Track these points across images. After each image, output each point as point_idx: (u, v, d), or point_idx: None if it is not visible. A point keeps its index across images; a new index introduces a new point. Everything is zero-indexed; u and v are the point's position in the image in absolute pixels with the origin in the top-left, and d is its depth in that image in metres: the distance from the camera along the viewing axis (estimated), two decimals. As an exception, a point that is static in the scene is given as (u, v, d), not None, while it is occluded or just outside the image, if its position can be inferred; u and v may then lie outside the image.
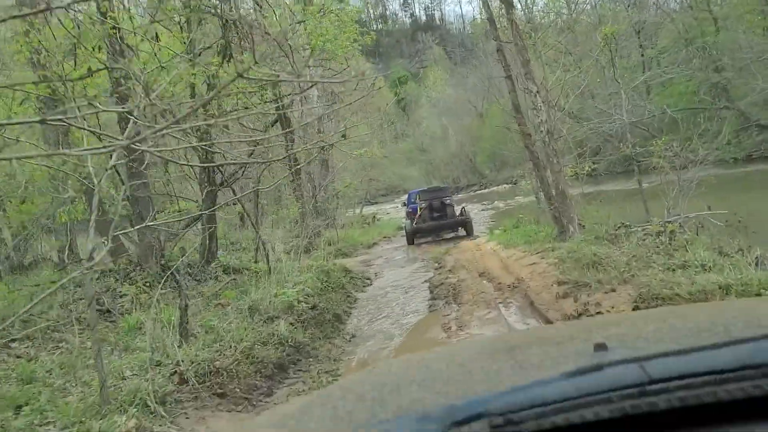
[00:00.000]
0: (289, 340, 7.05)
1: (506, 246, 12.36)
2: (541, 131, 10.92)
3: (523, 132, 11.63)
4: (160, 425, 4.25)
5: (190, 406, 4.94)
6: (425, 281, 11.38)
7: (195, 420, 4.77)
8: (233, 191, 10.27)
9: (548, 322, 6.77)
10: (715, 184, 10.82)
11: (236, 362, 5.99)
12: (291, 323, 7.72)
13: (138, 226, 6.84)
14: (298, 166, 20.40)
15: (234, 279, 9.20)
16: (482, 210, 28.57)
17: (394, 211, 41.28)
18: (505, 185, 46.77)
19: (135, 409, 4.22)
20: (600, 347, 0.80)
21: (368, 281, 12.72)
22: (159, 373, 5.29)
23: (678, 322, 1.04)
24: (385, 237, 21.61)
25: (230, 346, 6.44)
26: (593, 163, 14.70)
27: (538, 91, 10.91)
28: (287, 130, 13.51)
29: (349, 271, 12.85)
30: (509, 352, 1.01)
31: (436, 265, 13.04)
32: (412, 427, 0.69)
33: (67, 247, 10.88)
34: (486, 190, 45.27)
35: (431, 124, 61.21)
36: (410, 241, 18.27)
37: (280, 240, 15.37)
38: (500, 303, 8.25)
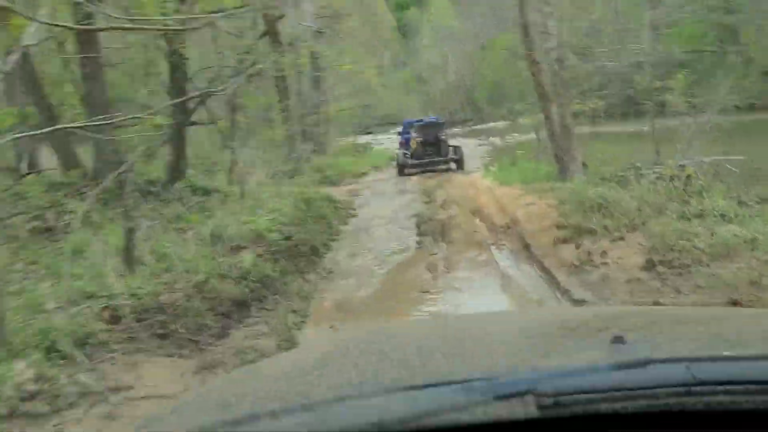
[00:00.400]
0: (254, 274, 6.24)
1: (502, 183, 11.46)
2: (550, 58, 9.79)
3: (531, 59, 10.49)
4: (70, 374, 3.44)
5: (121, 349, 4.14)
6: (413, 215, 10.53)
7: (123, 367, 3.97)
8: (204, 104, 9.19)
9: (545, 270, 5.97)
10: (726, 130, 9.88)
11: (187, 297, 5.18)
12: (259, 255, 6.88)
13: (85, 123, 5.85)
14: (286, 85, 19.20)
15: (201, 201, 8.30)
16: (478, 146, 27.48)
17: (388, 142, 40.04)
18: (502, 122, 45.47)
19: (38, 354, 3.40)
20: (617, 339, 0.80)
21: (353, 212, 11.86)
22: (89, 307, 4.47)
23: (691, 325, 1.03)
24: (376, 167, 20.62)
25: (183, 279, 5.63)
26: (599, 99, 13.54)
27: (552, 12, 9.70)
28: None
29: (334, 201, 11.96)
30: (520, 332, 1.00)
31: (427, 199, 12.17)
32: (448, 394, 0.67)
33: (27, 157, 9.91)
34: (483, 126, 43.87)
35: (431, 54, 58.92)
36: (401, 173, 17.82)
37: (263, 163, 14.46)
38: (492, 245, 7.45)
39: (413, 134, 18.25)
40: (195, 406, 0.92)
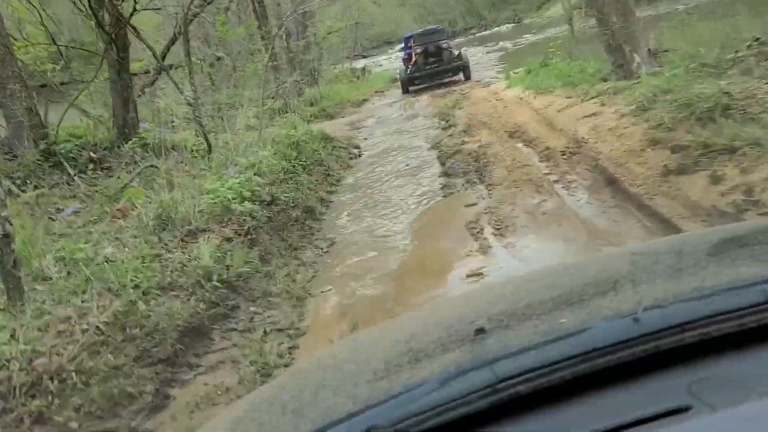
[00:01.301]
0: (217, 273, 4.09)
1: (537, 92, 8.99)
2: None
3: None
4: None
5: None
6: (432, 147, 8.23)
7: None
8: (134, 29, 6.75)
9: (668, 223, 3.71)
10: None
11: (91, 350, 3.07)
12: (227, 238, 4.71)
13: None
14: (264, 6, 16.41)
15: (152, 166, 6.05)
16: (487, 53, 24.48)
17: (387, 63, 36.93)
18: (507, 25, 41.80)
19: None
20: (480, 331, 0.87)
21: (356, 151, 9.56)
22: None
23: (551, 294, 1.03)
24: (377, 91, 18.03)
25: (97, 306, 3.50)
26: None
27: None
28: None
29: (331, 139, 9.64)
30: (407, 341, 0.98)
31: (444, 123, 9.78)
32: None
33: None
34: (486, 32, 40.43)
35: (423, -38, 54.21)
36: (405, 90, 16.09)
37: (248, 102, 12.12)
38: (557, 182, 5.16)
39: (414, 45, 16.66)
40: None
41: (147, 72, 13.68)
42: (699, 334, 0.77)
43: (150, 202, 5.00)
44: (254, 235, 4.99)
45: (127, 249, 4.33)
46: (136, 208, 5.12)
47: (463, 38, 41.36)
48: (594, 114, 6.35)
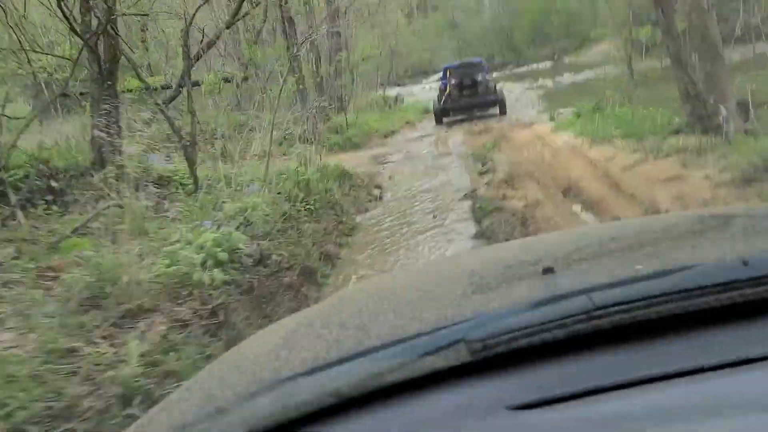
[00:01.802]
0: (144, 393, 2.76)
1: (593, 140, 7.58)
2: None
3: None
4: None
5: None
6: (465, 196, 6.87)
7: None
8: (115, 35, 5.56)
9: None
10: None
11: None
12: (181, 323, 3.39)
13: None
14: (295, 28, 15.41)
15: (117, 206, 4.79)
16: (526, 89, 23.13)
17: (421, 93, 35.88)
18: (546, 62, 40.53)
19: None
20: (548, 270, 0.85)
21: (377, 192, 8.24)
22: None
23: (621, 244, 1.02)
24: (408, 123, 16.76)
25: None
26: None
27: None
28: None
29: (350, 176, 8.36)
30: (469, 276, 0.99)
31: (481, 166, 8.44)
32: (397, 353, 0.70)
33: None
34: (524, 68, 39.18)
35: (464, -5, 53.59)
36: (438, 121, 15.74)
37: (268, 126, 11.00)
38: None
39: (449, 77, 16.19)
40: (182, 401, 0.86)
41: (168, 87, 12.72)
42: None
43: (89, 262, 3.71)
44: (223, 316, 3.67)
45: (34, 335, 3.04)
46: (63, 268, 3.83)
47: (501, 73, 40.22)
48: (675, 178, 4.94)
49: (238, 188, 5.71)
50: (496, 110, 15.46)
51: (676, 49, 6.49)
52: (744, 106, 6.10)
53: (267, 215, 5.17)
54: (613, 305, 0.70)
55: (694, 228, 1.07)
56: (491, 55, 49.06)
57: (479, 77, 15.88)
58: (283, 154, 9.92)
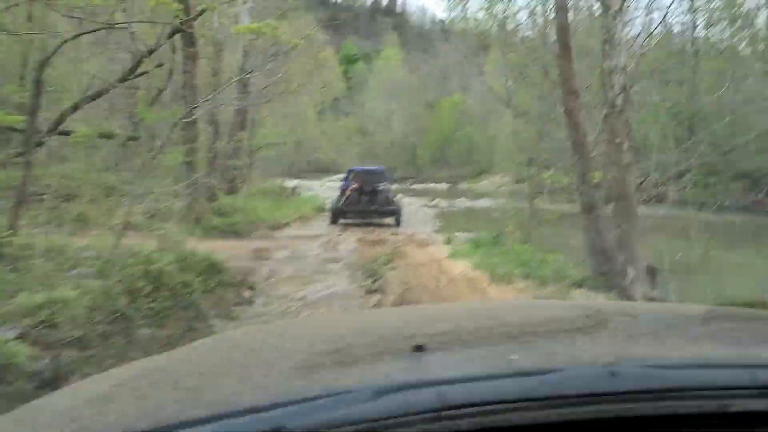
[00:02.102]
0: None
1: (493, 275, 6.97)
2: (612, 87, 5.50)
3: (567, 85, 6.25)
4: None
5: None
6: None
7: None
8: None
9: None
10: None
11: None
12: None
13: None
14: (197, 99, 14.39)
15: None
16: (424, 206, 23.21)
17: (320, 190, 35.46)
18: (444, 184, 42.03)
19: None
20: (419, 348, 0.79)
21: (248, 294, 7.02)
22: None
23: (502, 328, 0.98)
24: (301, 217, 15.80)
25: None
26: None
27: (621, 9, 5.45)
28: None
29: (220, 270, 7.11)
30: (334, 342, 0.93)
31: (371, 283, 7.54)
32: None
33: None
34: (422, 186, 40.25)
35: (377, 106, 55.64)
36: (333, 220, 15.45)
37: (143, 196, 9.60)
38: None
39: (351, 180, 16.20)
40: None
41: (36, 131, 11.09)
42: (684, 405, 0.69)
43: None
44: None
45: None
46: None
47: (400, 186, 41.05)
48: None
49: (61, 269, 4.35)
50: (392, 221, 15.42)
51: (589, 199, 6.15)
52: (652, 271, 5.75)
53: (86, 313, 3.84)
54: (468, 405, 0.64)
55: (577, 321, 1.02)
56: (393, 167, 50.49)
57: (380, 185, 15.91)
58: (151, 230, 8.53)
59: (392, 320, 1.13)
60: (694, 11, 18.24)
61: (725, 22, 22.92)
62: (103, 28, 12.49)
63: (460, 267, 7.98)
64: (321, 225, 14.96)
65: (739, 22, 23.15)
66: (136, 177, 11.06)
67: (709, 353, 0.85)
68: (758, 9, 21.85)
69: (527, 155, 30.72)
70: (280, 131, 25.26)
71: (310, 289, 7.39)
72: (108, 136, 13.59)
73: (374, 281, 7.54)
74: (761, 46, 22.66)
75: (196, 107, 13.27)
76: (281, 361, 0.85)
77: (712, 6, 20.03)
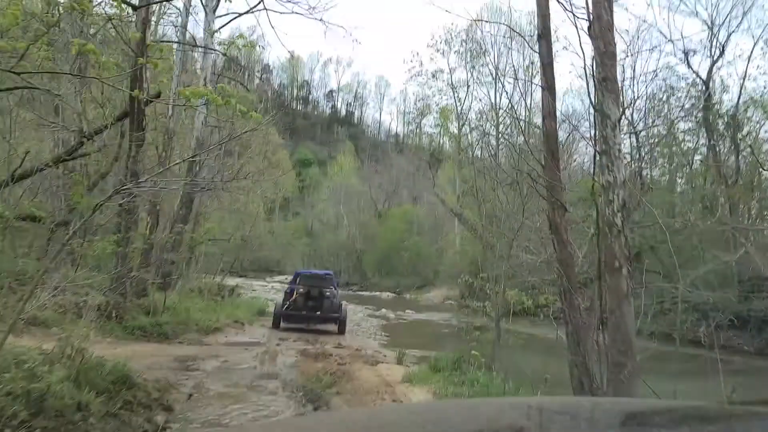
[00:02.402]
0: None
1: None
2: (611, 204, 4.89)
3: (553, 198, 5.64)
4: None
5: None
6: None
7: None
8: None
9: None
10: None
11: None
12: None
13: None
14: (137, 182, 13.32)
15: None
16: (368, 315, 22.06)
17: (262, 291, 33.82)
18: (389, 294, 41.06)
19: None
20: None
21: (160, 419, 5.69)
22: None
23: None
24: (237, 321, 14.37)
25: None
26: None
27: (621, 118, 4.97)
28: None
29: (132, 385, 5.80)
30: None
31: (312, 409, 6.34)
32: None
33: None
34: (368, 293, 39.13)
35: (326, 210, 55.44)
36: (275, 324, 14.64)
37: (59, 287, 8.43)
38: None
39: (298, 284, 15.73)
40: None
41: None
42: None
43: None
44: None
45: None
46: None
47: (345, 291, 39.83)
48: None
49: None
50: (336, 328, 14.82)
51: (575, 325, 5.36)
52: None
53: None
54: None
55: (507, 419, 1.07)
56: (338, 271, 49.49)
57: (327, 291, 15.40)
58: (61, 327, 7.15)
59: (331, 427, 1.09)
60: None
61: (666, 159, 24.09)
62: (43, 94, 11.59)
63: (419, 395, 6.89)
64: (258, 332, 13.62)
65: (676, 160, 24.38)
66: (54, 264, 9.68)
67: None
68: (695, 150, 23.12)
69: (478, 269, 30.21)
70: (226, 227, 24.12)
71: (239, 414, 6.11)
72: (33, 218, 12.24)
73: (315, 408, 6.35)
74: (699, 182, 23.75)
75: (126, 190, 12.24)
76: None
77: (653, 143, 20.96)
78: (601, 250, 4.70)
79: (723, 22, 23.24)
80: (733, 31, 23.44)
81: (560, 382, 5.83)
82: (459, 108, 35.36)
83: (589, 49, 4.95)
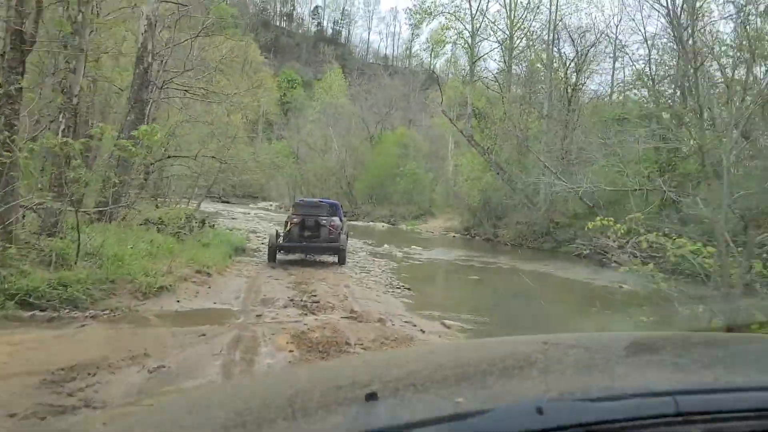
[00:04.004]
0: None
1: None
2: None
3: None
4: None
5: None
6: None
7: None
8: None
9: None
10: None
11: None
12: None
13: None
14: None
15: None
16: (371, 255, 17.59)
17: (245, 220, 29.38)
18: (383, 224, 36.91)
19: None
20: (371, 397, 0.80)
21: None
22: None
23: (451, 371, 1.00)
24: (201, 271, 9.77)
25: None
26: None
27: None
28: None
29: None
30: (288, 398, 0.93)
31: None
32: None
33: None
34: (360, 223, 34.91)
35: (314, 132, 50.22)
36: (271, 259, 13.39)
37: None
38: None
39: (293, 214, 14.30)
40: None
41: None
42: None
43: None
44: None
45: None
46: None
47: (335, 221, 35.47)
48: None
49: None
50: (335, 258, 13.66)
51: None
52: None
53: None
54: None
55: (521, 355, 1.06)
56: (325, 197, 45.07)
57: (323, 220, 13.81)
58: None
59: (348, 369, 1.11)
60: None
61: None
62: None
63: None
64: (233, 284, 9.27)
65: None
66: None
67: (636, 382, 0.84)
68: None
69: (489, 199, 25.62)
70: (191, 141, 19.23)
71: None
72: None
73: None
74: None
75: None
76: (228, 421, 0.80)
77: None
78: None
79: None
80: None
81: None
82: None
83: None
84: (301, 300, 8.34)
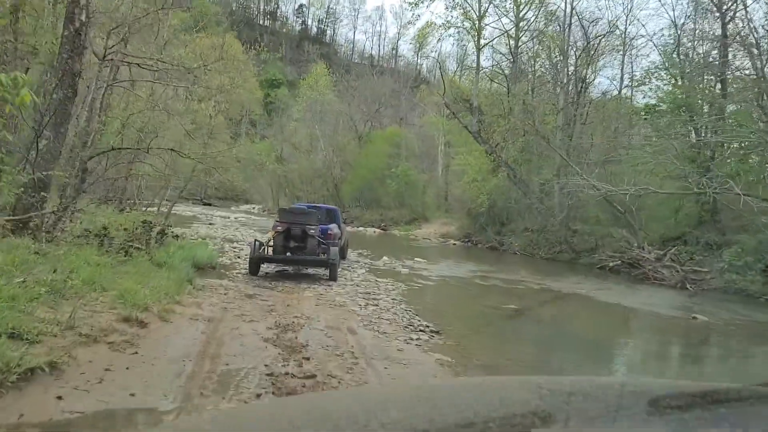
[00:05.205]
0: None
1: None
2: None
3: None
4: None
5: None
6: None
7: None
8: None
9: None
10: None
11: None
12: None
13: None
14: None
15: None
16: (371, 272, 14.31)
17: (222, 226, 25.94)
18: (374, 229, 33.70)
19: None
20: None
21: None
22: None
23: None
24: (131, 316, 6.35)
25: None
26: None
27: None
28: None
29: None
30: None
31: None
32: None
33: None
34: (350, 228, 31.66)
35: (299, 132, 46.82)
36: (252, 271, 11.51)
37: None
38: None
39: (277, 222, 12.21)
40: None
41: None
42: None
43: None
44: None
45: None
46: None
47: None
48: None
49: None
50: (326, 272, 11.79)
51: None
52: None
53: None
54: None
55: (521, 401, 1.01)
56: (312, 201, 41.73)
57: (311, 230, 11.75)
58: None
59: (348, 404, 1.05)
60: None
61: None
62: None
63: None
64: (182, 342, 5.96)
65: None
66: None
67: None
68: None
69: (494, 202, 22.20)
70: (175, 142, 15.91)
71: None
72: None
73: None
74: None
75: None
76: None
77: None
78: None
79: None
80: None
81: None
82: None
83: None
84: (285, 371, 5.06)
